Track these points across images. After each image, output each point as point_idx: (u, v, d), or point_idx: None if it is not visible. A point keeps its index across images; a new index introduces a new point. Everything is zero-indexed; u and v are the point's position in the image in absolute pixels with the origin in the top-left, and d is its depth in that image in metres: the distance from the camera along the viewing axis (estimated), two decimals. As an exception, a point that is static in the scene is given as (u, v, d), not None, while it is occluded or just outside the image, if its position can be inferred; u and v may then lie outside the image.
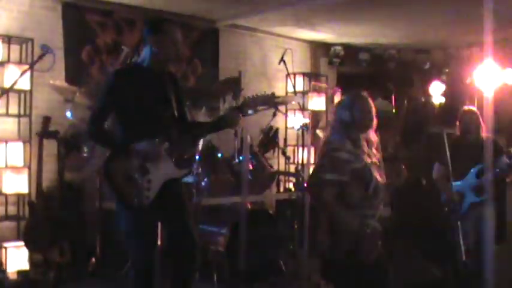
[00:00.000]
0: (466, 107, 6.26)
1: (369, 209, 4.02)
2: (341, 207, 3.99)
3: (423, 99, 9.69)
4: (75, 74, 7.35)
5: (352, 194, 3.97)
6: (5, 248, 6.25)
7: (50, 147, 6.49)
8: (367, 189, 3.97)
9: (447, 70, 9.79)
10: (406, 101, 9.60)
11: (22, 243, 6.19)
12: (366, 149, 4.10)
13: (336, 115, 4.18)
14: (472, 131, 6.02)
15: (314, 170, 4.17)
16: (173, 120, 4.19)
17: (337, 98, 9.97)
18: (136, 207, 3.95)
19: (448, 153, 5.48)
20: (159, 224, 4.36)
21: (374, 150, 4.19)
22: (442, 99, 8.87)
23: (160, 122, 4.08)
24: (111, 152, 4.09)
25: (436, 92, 8.90)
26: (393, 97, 9.03)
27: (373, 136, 4.19)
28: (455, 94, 8.58)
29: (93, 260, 6.17)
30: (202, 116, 6.53)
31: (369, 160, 4.06)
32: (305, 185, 4.13)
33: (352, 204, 3.99)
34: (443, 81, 9.04)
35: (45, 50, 4.55)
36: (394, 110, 8.93)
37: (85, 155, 6.19)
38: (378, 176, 4.06)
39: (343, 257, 4.04)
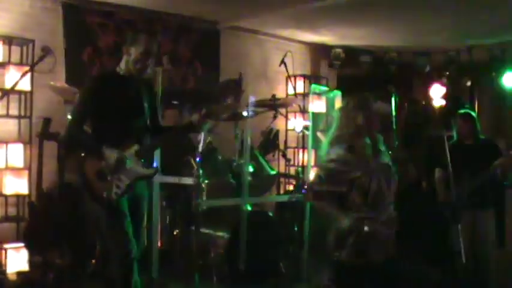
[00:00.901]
0: (461, 110, 6.24)
1: (369, 212, 4.03)
2: (337, 211, 4.05)
3: (423, 102, 9.69)
4: (75, 75, 7.33)
5: (352, 201, 4.01)
6: (5, 249, 6.25)
7: (50, 148, 6.48)
8: (366, 197, 3.99)
9: (447, 73, 9.78)
10: (406, 104, 9.59)
11: (22, 244, 6.19)
12: (369, 154, 4.10)
13: (343, 119, 4.19)
14: (466, 134, 6.01)
15: (312, 180, 4.21)
16: (144, 125, 4.51)
17: (337, 101, 9.99)
18: (106, 202, 4.25)
19: (448, 156, 5.48)
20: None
21: (381, 155, 4.20)
22: (443, 102, 8.86)
23: (131, 126, 4.41)
24: (86, 152, 4.37)
25: (437, 94, 8.89)
26: (393, 100, 9.02)
27: (379, 140, 4.21)
28: (456, 97, 8.58)
29: (93, 261, 6.15)
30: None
31: (372, 166, 4.07)
32: (304, 192, 4.21)
33: (352, 208, 4.02)
34: (443, 84, 9.03)
35: (46, 51, 4.56)
36: (394, 113, 8.92)
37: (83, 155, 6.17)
38: (381, 182, 4.07)
39: (348, 259, 4.07)
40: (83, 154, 4.38)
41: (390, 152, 4.34)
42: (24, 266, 6.13)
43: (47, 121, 6.19)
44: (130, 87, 4.43)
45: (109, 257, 5.85)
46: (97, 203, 4.32)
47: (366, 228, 3.99)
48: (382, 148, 4.24)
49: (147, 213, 5.46)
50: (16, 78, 5.65)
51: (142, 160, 4.40)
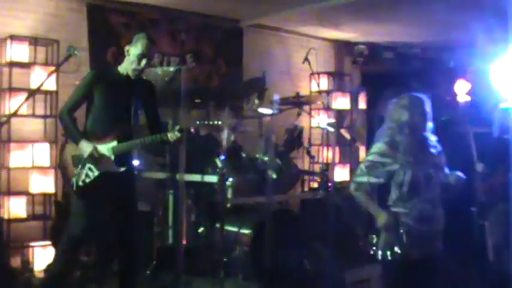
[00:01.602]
0: (501, 105, 6.16)
1: (405, 207, 4.04)
2: (374, 206, 4.08)
3: (448, 98, 9.61)
4: (100, 74, 7.39)
5: (389, 194, 4.04)
6: (32, 247, 6.32)
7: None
8: (402, 190, 4.01)
9: (472, 68, 9.69)
10: (430, 100, 9.53)
11: (49, 242, 6.25)
12: (415, 151, 4.10)
13: (391, 116, 4.21)
14: (503, 130, 5.94)
15: (357, 172, 4.28)
16: (128, 124, 4.74)
17: (361, 98, 9.96)
18: (73, 187, 4.63)
19: (475, 152, 5.43)
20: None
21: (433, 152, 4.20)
22: (467, 98, 8.79)
23: (115, 123, 4.68)
24: (69, 139, 4.79)
25: (461, 90, 8.82)
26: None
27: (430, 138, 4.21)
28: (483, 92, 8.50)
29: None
30: (225, 117, 6.53)
31: (416, 162, 4.07)
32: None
33: (389, 203, 4.06)
34: (468, 80, 8.96)
35: (71, 51, 4.61)
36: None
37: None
38: (424, 176, 4.07)
39: (384, 256, 4.08)
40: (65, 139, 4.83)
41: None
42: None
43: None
44: (124, 86, 4.72)
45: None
46: (68, 185, 4.79)
47: (402, 229, 4.01)
48: (436, 145, 4.24)
49: (172, 211, 5.52)
50: (42, 78, 5.69)
51: (116, 157, 4.65)
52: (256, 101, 6.52)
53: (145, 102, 4.87)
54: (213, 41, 8.61)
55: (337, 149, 6.87)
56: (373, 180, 4.11)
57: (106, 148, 4.62)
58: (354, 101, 9.86)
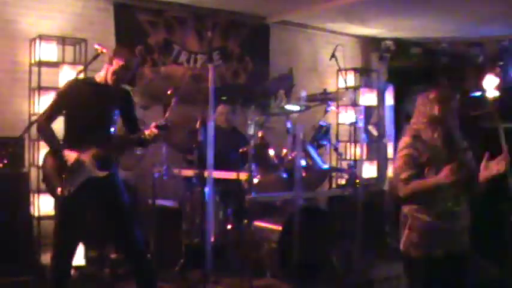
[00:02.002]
0: None
1: (434, 204, 4.01)
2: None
3: (476, 94, 9.52)
4: (127, 73, 7.44)
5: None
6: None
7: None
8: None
9: (501, 63, 9.60)
10: (459, 96, 9.45)
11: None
12: (444, 145, 4.07)
13: (418, 110, 4.18)
14: None
15: (397, 176, 4.20)
16: (107, 131, 4.85)
17: (389, 94, 9.91)
18: (60, 197, 4.62)
19: (505, 147, 5.37)
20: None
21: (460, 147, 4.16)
22: (496, 93, 8.70)
23: (94, 131, 4.73)
24: (50, 148, 4.73)
25: (490, 85, 8.73)
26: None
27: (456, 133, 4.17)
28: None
29: (148, 256, 6.22)
30: (252, 114, 6.54)
31: (442, 157, 4.04)
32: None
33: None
34: (496, 75, 8.87)
35: (100, 50, 4.64)
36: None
37: (138, 153, 6.25)
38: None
39: (407, 252, 4.06)
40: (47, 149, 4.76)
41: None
42: (81, 261, 6.23)
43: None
44: (101, 94, 4.74)
45: (163, 252, 5.97)
46: (52, 196, 4.77)
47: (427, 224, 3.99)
48: (461, 143, 4.20)
49: (200, 208, 5.52)
50: (70, 77, 5.73)
51: (99, 162, 4.72)
52: (284, 98, 6.52)
53: (123, 108, 4.97)
54: (239, 38, 8.62)
55: (364, 146, 6.83)
56: (416, 172, 4.04)
57: (87, 155, 4.68)
58: (381, 97, 9.82)
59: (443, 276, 4.13)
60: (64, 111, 4.81)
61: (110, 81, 4.77)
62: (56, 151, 4.66)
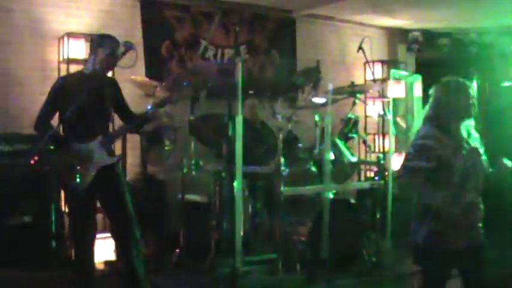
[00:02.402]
0: None
1: (450, 196, 3.98)
2: (424, 191, 4.01)
3: (506, 84, 9.42)
4: (155, 69, 7.49)
5: (438, 181, 3.96)
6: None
7: (133, 141, 6.62)
8: (452, 176, 3.93)
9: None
10: (488, 86, 9.35)
11: (109, 234, 6.34)
12: (461, 137, 4.05)
13: (434, 102, 4.16)
14: None
15: (403, 160, 4.17)
16: (106, 117, 5.01)
17: (417, 86, 9.84)
18: (77, 188, 4.71)
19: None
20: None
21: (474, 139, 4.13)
22: (527, 83, 8.60)
23: (94, 120, 4.84)
24: (54, 145, 4.86)
25: (521, 75, 8.64)
26: (475, 82, 8.81)
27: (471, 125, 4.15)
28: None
29: (177, 251, 6.26)
30: (279, 107, 6.53)
31: (463, 148, 4.01)
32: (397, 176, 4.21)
33: (437, 189, 3.98)
34: (527, 64, 8.76)
35: (128, 46, 4.67)
36: (476, 96, 8.71)
37: (167, 148, 6.28)
38: (470, 164, 4.00)
39: (428, 244, 4.04)
40: (52, 147, 4.89)
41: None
42: (111, 256, 6.28)
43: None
44: (93, 85, 4.75)
45: (193, 246, 6.00)
46: (67, 191, 4.93)
47: (447, 216, 3.96)
48: (475, 133, 4.18)
49: (229, 202, 5.54)
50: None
51: (106, 150, 4.87)
52: (311, 91, 6.51)
53: (114, 96, 5.06)
54: (266, 32, 8.62)
55: (393, 138, 6.79)
56: (425, 164, 4.00)
57: (94, 145, 4.78)
58: (409, 88, 9.74)
59: (463, 268, 4.12)
60: (60, 108, 4.83)
61: (99, 70, 4.87)
62: (61, 146, 4.75)
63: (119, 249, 5.25)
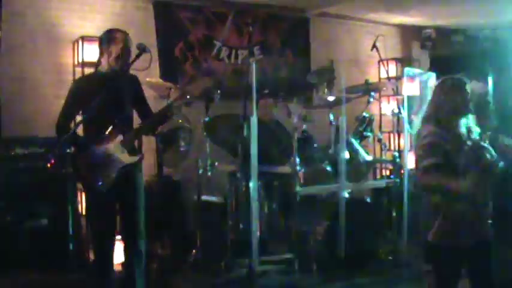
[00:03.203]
0: None
1: (458, 192, 3.98)
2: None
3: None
4: (169, 70, 7.52)
5: (444, 177, 3.98)
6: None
7: (149, 142, 6.63)
8: (457, 172, 3.94)
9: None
10: (503, 83, 9.31)
11: (126, 236, 6.37)
12: (461, 133, 4.06)
13: (439, 98, 4.18)
14: None
15: (416, 163, 4.19)
16: (126, 117, 4.87)
17: (431, 83, 9.80)
18: (99, 191, 4.64)
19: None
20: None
21: (474, 135, 4.14)
22: (543, 79, 8.55)
23: (114, 119, 4.71)
24: (75, 147, 4.77)
25: (536, 71, 8.59)
26: (490, 78, 8.77)
27: (471, 121, 4.16)
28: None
29: (194, 251, 6.27)
30: (294, 107, 6.53)
31: (464, 144, 4.02)
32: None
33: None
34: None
35: (142, 49, 4.68)
36: (491, 92, 8.68)
37: (182, 149, 6.29)
38: (472, 159, 4.00)
39: (438, 241, 4.05)
40: (73, 149, 4.80)
41: (489, 133, 4.25)
42: (128, 257, 6.30)
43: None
44: (110, 84, 4.64)
45: (209, 247, 6.01)
46: (89, 193, 4.87)
47: (454, 213, 3.97)
48: (475, 128, 4.18)
49: (245, 202, 5.54)
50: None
51: (127, 149, 4.76)
52: (326, 90, 6.51)
53: (133, 94, 4.98)
54: (279, 32, 8.62)
55: (408, 136, 6.78)
56: (437, 160, 4.01)
57: (115, 145, 4.71)
58: (424, 86, 9.71)
59: (472, 265, 4.12)
60: (80, 109, 4.83)
61: (116, 68, 4.76)
62: (83, 147, 4.68)
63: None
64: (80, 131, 4.76)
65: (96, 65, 4.92)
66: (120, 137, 4.72)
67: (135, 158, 4.82)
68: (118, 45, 4.75)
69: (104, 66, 4.82)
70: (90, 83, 4.86)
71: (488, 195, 4.12)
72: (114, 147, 4.70)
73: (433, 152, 4.00)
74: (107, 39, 4.81)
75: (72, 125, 4.81)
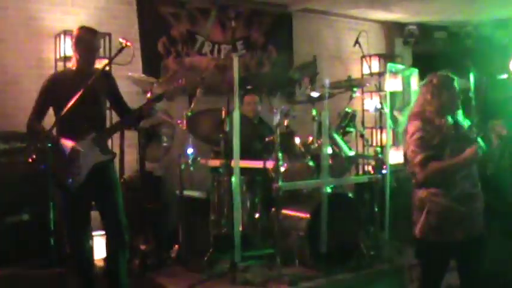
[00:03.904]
0: None
1: (442, 187, 4.01)
2: (416, 185, 4.06)
3: (503, 76, 9.43)
4: (151, 65, 7.49)
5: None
6: (92, 236, 6.41)
7: (131, 137, 6.62)
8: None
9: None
10: (485, 79, 9.36)
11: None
12: (448, 127, 4.08)
13: (424, 96, 4.20)
14: None
15: (409, 160, 4.21)
16: (100, 114, 4.96)
17: (414, 79, 9.84)
18: (70, 188, 4.69)
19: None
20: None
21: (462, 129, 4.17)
22: (524, 76, 8.61)
23: (87, 116, 4.76)
24: (48, 144, 4.68)
25: (517, 67, 8.65)
26: (471, 75, 8.81)
27: (459, 116, 4.19)
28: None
29: (176, 247, 6.26)
30: (277, 102, 6.53)
31: (450, 138, 4.05)
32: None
33: (426, 182, 4.03)
34: (524, 57, 8.77)
35: (124, 43, 4.67)
36: (472, 89, 8.71)
37: (165, 144, 6.28)
38: (459, 153, 4.03)
39: (425, 236, 4.07)
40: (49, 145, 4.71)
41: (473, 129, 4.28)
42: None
43: (126, 111, 6.32)
44: (82, 81, 4.61)
45: (192, 242, 5.99)
46: (60, 189, 4.82)
47: (440, 209, 4.00)
48: (463, 123, 4.21)
49: (228, 198, 5.53)
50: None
51: (100, 147, 4.83)
52: (308, 86, 6.51)
53: (108, 90, 5.03)
54: (262, 27, 8.62)
55: (390, 132, 6.80)
56: (430, 152, 4.04)
57: (87, 142, 4.74)
58: (406, 82, 9.75)
59: (462, 259, 4.14)
60: (52, 106, 4.85)
61: (82, 66, 4.84)
62: (52, 144, 4.65)
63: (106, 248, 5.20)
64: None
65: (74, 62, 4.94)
66: (92, 135, 4.77)
67: (107, 156, 4.90)
68: (84, 44, 4.83)
69: (75, 64, 4.90)
70: (62, 79, 4.91)
71: (478, 188, 4.15)
72: (86, 145, 4.73)
73: (427, 145, 4.03)
74: (75, 37, 4.87)
75: (43, 122, 4.83)
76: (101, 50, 6.86)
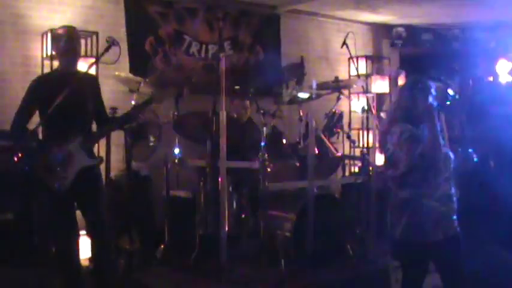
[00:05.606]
0: None
1: (426, 188, 4.04)
2: (397, 186, 4.09)
3: (489, 79, 9.48)
4: (138, 65, 7.47)
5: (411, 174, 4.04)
6: (79, 236, 6.38)
7: (117, 137, 6.60)
8: (424, 168, 4.01)
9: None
10: (471, 81, 9.40)
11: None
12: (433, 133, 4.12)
13: (399, 99, 4.26)
14: None
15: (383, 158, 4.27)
16: (86, 117, 4.89)
17: (401, 81, 9.88)
18: (57, 192, 4.61)
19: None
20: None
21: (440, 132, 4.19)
22: (509, 78, 8.66)
23: (73, 120, 4.71)
24: (32, 147, 4.66)
25: (503, 70, 8.69)
26: (458, 78, 8.86)
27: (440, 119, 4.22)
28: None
29: (162, 247, 6.25)
30: (263, 103, 6.53)
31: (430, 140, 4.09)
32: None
33: (409, 183, 4.04)
34: (509, 60, 8.82)
35: (111, 42, 4.64)
36: (459, 91, 8.75)
37: (151, 144, 6.27)
38: (439, 154, 4.07)
39: (406, 237, 4.10)
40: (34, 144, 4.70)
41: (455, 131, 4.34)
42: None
43: (113, 110, 6.28)
44: (67, 84, 4.53)
45: (178, 242, 5.98)
46: (46, 193, 4.71)
47: (422, 209, 4.03)
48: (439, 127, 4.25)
49: (214, 198, 5.53)
50: (83, 69, 5.75)
51: (87, 151, 4.78)
52: (296, 87, 6.52)
53: (94, 95, 4.97)
54: (250, 27, 8.62)
55: (377, 133, 6.82)
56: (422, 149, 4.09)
57: (74, 146, 4.68)
58: (393, 84, 9.79)
59: (441, 260, 4.17)
60: (38, 107, 4.76)
61: (60, 67, 4.83)
62: (43, 147, 4.63)
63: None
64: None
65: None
66: (79, 139, 4.71)
67: (94, 161, 4.87)
68: (62, 43, 4.76)
69: (59, 66, 4.89)
70: (48, 82, 4.84)
71: (453, 190, 4.19)
72: (73, 149, 4.68)
73: (417, 143, 4.07)
74: (53, 36, 4.96)
75: (28, 124, 4.76)
76: (88, 48, 6.90)
